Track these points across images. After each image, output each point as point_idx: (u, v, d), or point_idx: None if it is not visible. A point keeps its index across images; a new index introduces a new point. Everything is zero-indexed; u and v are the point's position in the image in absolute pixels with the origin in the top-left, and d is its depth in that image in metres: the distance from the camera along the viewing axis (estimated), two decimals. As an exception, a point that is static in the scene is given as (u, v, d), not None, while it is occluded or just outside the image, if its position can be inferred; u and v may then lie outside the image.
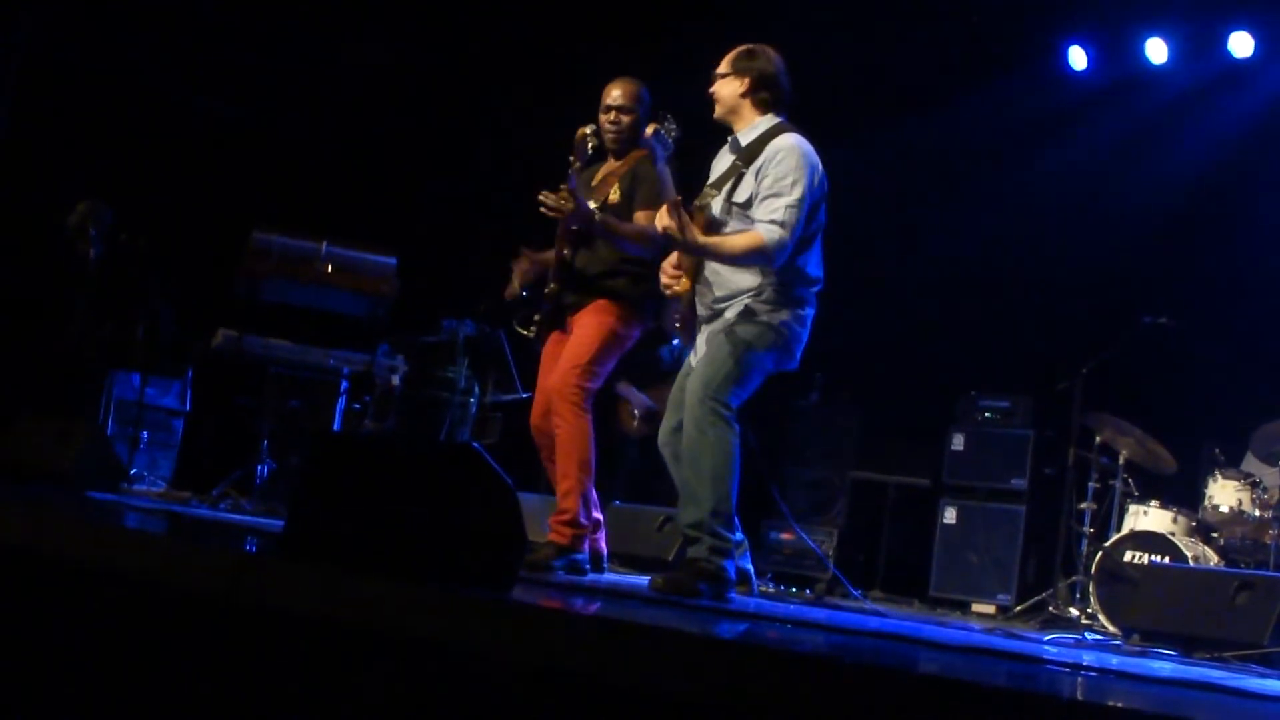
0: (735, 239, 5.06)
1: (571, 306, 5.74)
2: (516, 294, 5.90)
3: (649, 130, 4.96)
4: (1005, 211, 9.40)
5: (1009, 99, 9.46)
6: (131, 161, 9.54)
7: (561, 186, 5.55)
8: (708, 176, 5.37)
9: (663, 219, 5.02)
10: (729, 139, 5.31)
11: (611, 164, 5.87)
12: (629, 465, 8.55)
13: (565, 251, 5.73)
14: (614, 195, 5.70)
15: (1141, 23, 9.26)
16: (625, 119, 5.76)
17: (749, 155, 5.15)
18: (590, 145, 5.60)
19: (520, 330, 5.91)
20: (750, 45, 5.31)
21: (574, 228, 5.65)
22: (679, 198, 5.02)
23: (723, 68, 5.29)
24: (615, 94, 5.78)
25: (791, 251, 5.04)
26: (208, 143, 9.99)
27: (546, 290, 5.78)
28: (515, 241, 5.79)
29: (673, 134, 4.94)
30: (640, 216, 5.60)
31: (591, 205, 5.73)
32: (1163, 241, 8.95)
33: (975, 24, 9.39)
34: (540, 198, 5.55)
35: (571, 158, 5.57)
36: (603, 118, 5.80)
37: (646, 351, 8.04)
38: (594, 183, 5.87)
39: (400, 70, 10.39)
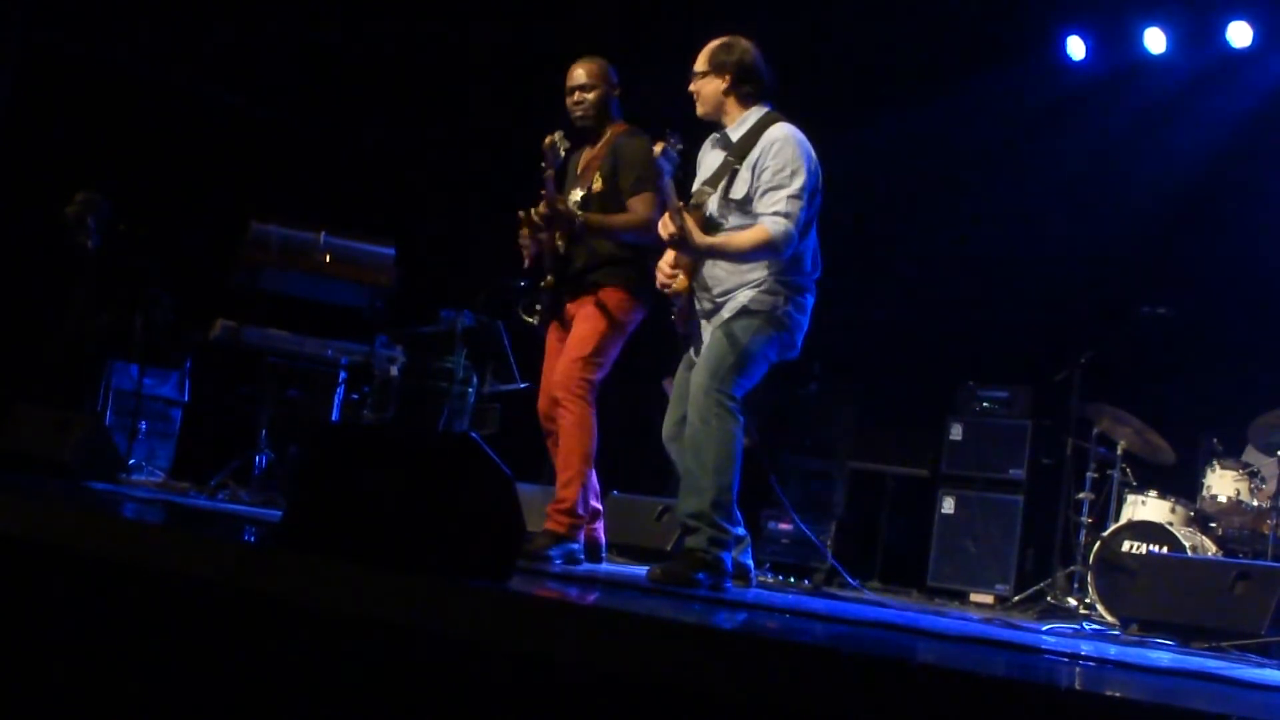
0: (741, 236, 5.05)
1: (570, 297, 5.74)
2: (541, 281, 5.86)
3: (656, 149, 4.94)
4: (1003, 201, 9.40)
5: (1007, 89, 9.46)
6: (130, 152, 9.53)
7: (540, 203, 5.55)
8: (694, 172, 5.36)
9: (666, 227, 5.01)
10: (717, 134, 5.30)
11: (590, 149, 5.86)
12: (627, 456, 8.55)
13: (559, 244, 5.72)
14: (597, 183, 5.70)
15: (1140, 12, 9.26)
16: (590, 96, 5.75)
17: (741, 150, 5.13)
18: (561, 149, 5.55)
19: (525, 318, 5.92)
20: (725, 39, 5.26)
21: (558, 235, 5.67)
22: (680, 203, 5.01)
23: (700, 65, 5.25)
24: (578, 74, 5.77)
25: (796, 241, 5.04)
26: (206, 133, 9.98)
27: (543, 284, 5.79)
28: (514, 233, 5.77)
29: (678, 149, 4.93)
30: (634, 202, 5.59)
31: (576, 195, 5.72)
32: (1161, 231, 8.96)
33: (974, 13, 9.38)
34: (520, 215, 5.58)
35: (543, 165, 5.53)
36: (569, 101, 5.79)
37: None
38: (579, 170, 5.87)
39: (398, 60, 10.38)
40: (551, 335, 5.84)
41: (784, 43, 5.39)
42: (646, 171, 5.40)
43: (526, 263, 5.88)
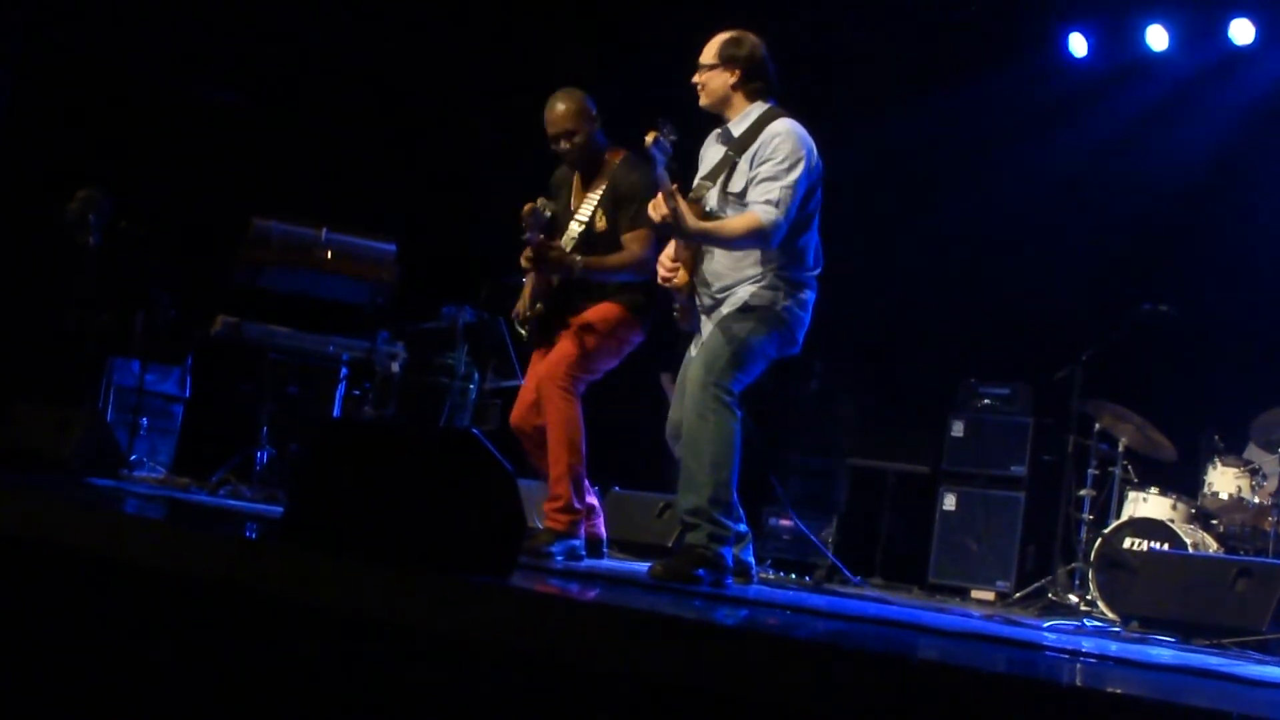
0: (732, 221, 5.04)
1: (559, 328, 5.70)
2: (529, 310, 5.83)
3: (648, 139, 4.90)
4: (1005, 198, 9.39)
5: (1009, 86, 9.45)
6: (131, 149, 9.53)
7: (525, 250, 5.54)
8: (696, 165, 5.35)
9: (658, 208, 4.99)
10: (719, 129, 5.28)
11: (587, 176, 5.80)
12: (628, 452, 8.55)
13: (553, 280, 5.70)
14: (600, 223, 5.66)
15: (1142, 9, 9.25)
16: (576, 139, 5.66)
17: (742, 144, 5.12)
18: (546, 212, 5.53)
19: (519, 328, 5.90)
20: (734, 33, 5.24)
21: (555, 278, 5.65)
22: (674, 185, 4.99)
23: (708, 58, 5.22)
24: (558, 116, 5.64)
25: (786, 233, 5.02)
26: (207, 129, 9.98)
27: (530, 311, 5.76)
28: (514, 229, 5.77)
29: (671, 139, 4.90)
30: (629, 240, 5.57)
31: (574, 230, 5.69)
32: (1163, 228, 8.95)
33: (975, 11, 9.38)
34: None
35: (524, 225, 5.49)
36: (554, 145, 5.70)
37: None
38: (575, 191, 5.82)
39: (400, 55, 10.37)
40: (535, 358, 5.81)
41: (786, 39, 5.37)
42: (643, 207, 5.37)
43: (519, 309, 5.87)
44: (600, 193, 5.69)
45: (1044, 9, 9.55)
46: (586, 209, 5.71)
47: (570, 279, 5.61)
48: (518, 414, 5.74)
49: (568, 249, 5.63)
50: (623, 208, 5.60)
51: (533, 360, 5.82)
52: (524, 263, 5.59)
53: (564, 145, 5.69)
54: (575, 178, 5.84)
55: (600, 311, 5.63)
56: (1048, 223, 9.34)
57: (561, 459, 5.52)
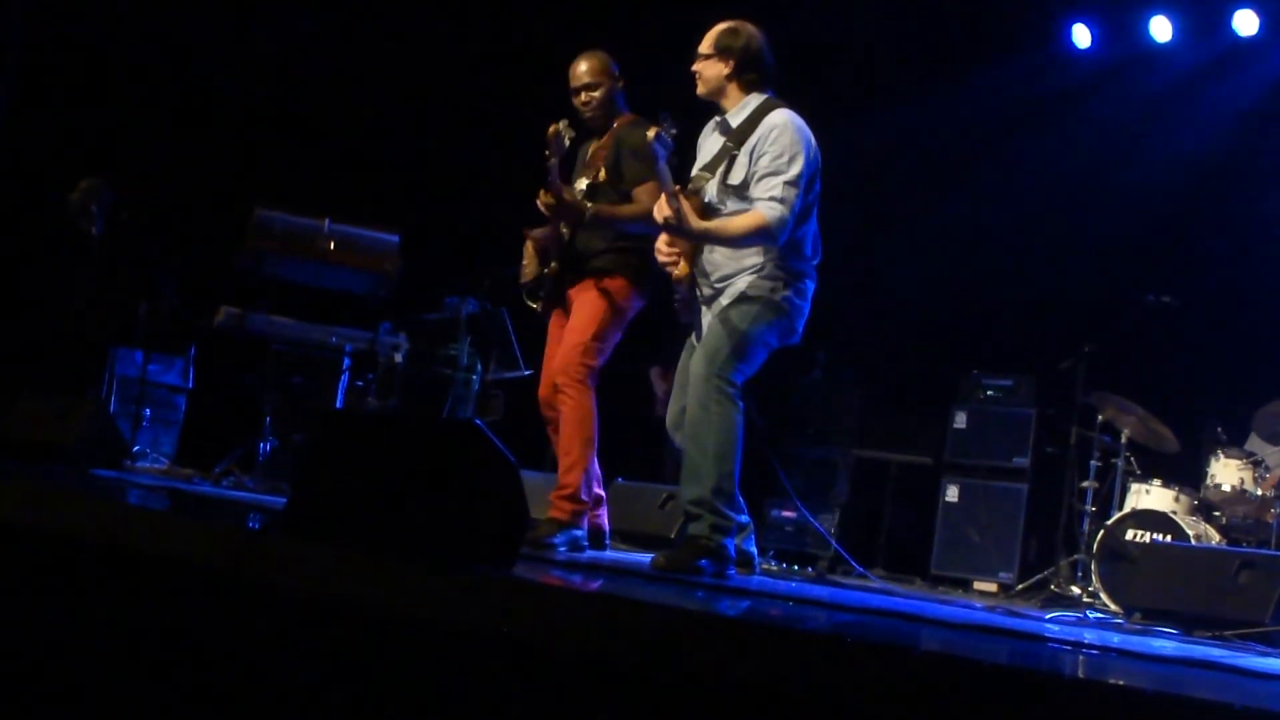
0: (736, 220, 5.04)
1: (571, 283, 5.75)
2: (534, 274, 5.88)
3: (650, 133, 4.93)
4: (1009, 190, 9.39)
5: (1013, 77, 9.45)
6: (134, 139, 9.53)
7: (544, 191, 5.57)
8: (694, 155, 5.35)
9: (661, 210, 5.00)
10: (716, 120, 5.28)
11: (597, 140, 5.88)
12: (632, 443, 8.54)
13: (564, 231, 5.74)
14: (601, 174, 5.72)
15: (1146, 1, 9.24)
16: (595, 94, 5.77)
17: (740, 136, 5.12)
18: (567, 138, 5.58)
19: (529, 303, 5.93)
20: (732, 23, 5.24)
21: (565, 225, 5.68)
22: (677, 187, 5.00)
23: (705, 48, 5.23)
24: (581, 71, 5.78)
25: (791, 227, 5.03)
26: (211, 120, 9.98)
27: (547, 270, 5.80)
28: (517, 220, 5.78)
29: (672, 134, 4.91)
30: (639, 193, 5.59)
31: (582, 184, 5.73)
32: (1166, 220, 8.95)
33: (979, 2, 9.37)
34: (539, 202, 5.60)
35: (547, 153, 5.56)
36: (575, 100, 5.81)
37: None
38: (587, 160, 5.88)
39: (404, 46, 10.37)
40: (554, 322, 5.85)
41: (789, 30, 5.37)
42: (651, 161, 5.39)
43: (523, 273, 5.90)
44: (606, 149, 5.75)
45: (1047, 0, 9.54)
46: (593, 165, 5.77)
47: (580, 227, 5.67)
48: (546, 389, 5.75)
49: None
50: (627, 161, 5.65)
51: (553, 322, 5.85)
52: (541, 207, 5.61)
53: (583, 98, 5.78)
54: (592, 140, 5.92)
55: (598, 286, 5.65)
56: (1051, 214, 9.33)
57: (574, 449, 5.55)
